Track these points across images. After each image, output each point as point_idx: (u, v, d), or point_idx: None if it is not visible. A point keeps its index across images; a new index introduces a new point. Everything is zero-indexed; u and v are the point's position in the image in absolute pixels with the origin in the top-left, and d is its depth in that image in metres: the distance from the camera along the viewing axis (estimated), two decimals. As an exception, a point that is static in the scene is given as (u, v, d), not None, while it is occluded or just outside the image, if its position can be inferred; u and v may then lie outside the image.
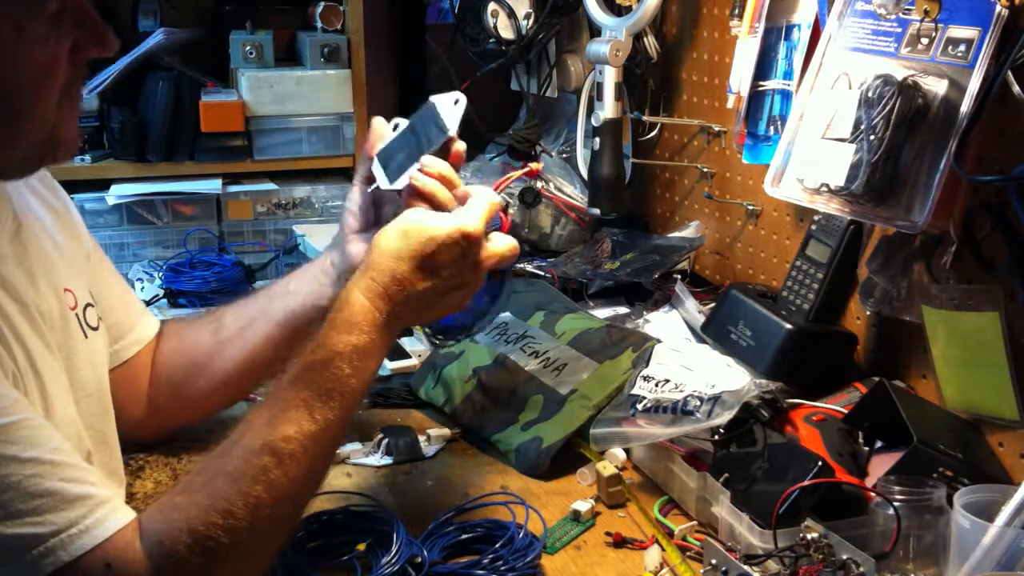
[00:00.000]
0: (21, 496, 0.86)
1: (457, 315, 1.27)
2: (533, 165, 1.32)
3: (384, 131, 1.26)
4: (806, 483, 1.17)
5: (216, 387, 1.36)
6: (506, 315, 1.71)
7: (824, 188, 1.35)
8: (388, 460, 1.47)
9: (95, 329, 1.17)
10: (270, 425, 0.98)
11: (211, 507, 0.92)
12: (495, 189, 1.22)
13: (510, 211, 1.21)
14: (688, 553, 1.23)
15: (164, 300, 2.06)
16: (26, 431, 0.88)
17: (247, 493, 0.94)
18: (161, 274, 2.13)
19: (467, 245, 1.11)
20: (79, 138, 1.01)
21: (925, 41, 1.29)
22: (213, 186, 2.34)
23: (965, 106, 1.22)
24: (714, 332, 1.59)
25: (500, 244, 1.16)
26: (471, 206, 1.14)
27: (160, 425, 1.37)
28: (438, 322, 1.29)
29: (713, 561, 1.14)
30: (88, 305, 1.17)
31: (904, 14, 1.31)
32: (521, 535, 1.22)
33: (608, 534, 1.27)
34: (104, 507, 0.90)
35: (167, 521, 0.92)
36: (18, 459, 0.86)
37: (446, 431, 1.54)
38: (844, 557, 1.07)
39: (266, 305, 1.34)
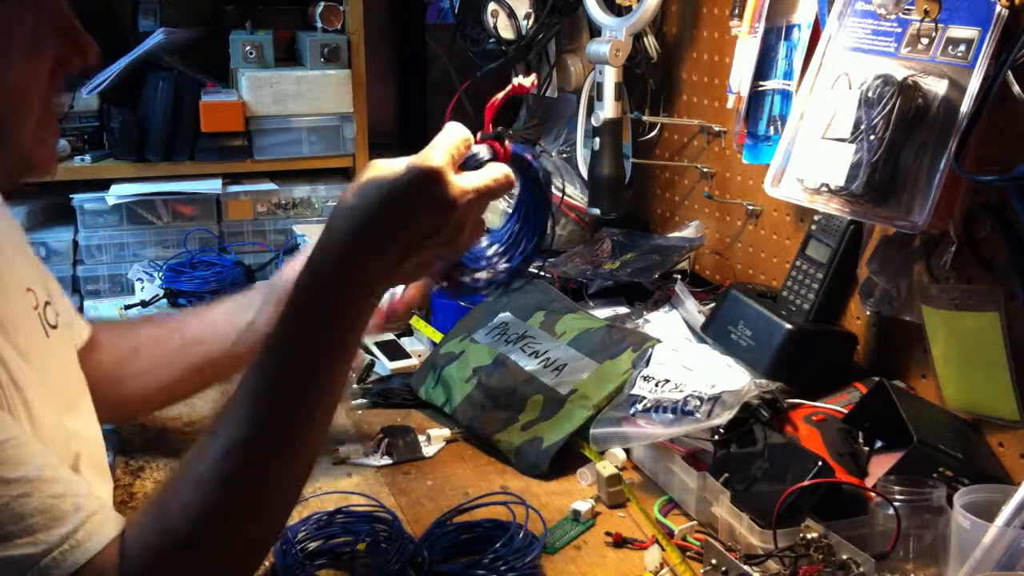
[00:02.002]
0: (11, 518, 0.84)
1: (482, 267, 1.14)
2: (517, 81, 1.11)
3: None
4: (806, 483, 1.17)
5: (143, 404, 1.39)
6: (506, 315, 1.71)
7: (824, 188, 1.35)
8: (388, 460, 1.47)
9: (54, 327, 1.14)
10: (233, 424, 0.93)
11: (185, 516, 0.90)
12: (485, 121, 1.08)
13: (507, 141, 1.07)
14: (688, 553, 1.23)
15: (164, 300, 2.06)
16: (11, 451, 0.86)
17: (216, 498, 0.90)
18: (161, 274, 2.14)
19: (426, 182, 0.96)
20: (55, 157, 0.97)
21: (925, 41, 1.29)
22: (213, 186, 2.34)
23: (965, 106, 1.22)
24: (714, 332, 1.59)
25: (479, 174, 1.01)
26: (433, 142, 1.00)
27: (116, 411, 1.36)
28: (461, 281, 1.14)
29: (713, 561, 1.14)
30: (47, 303, 1.14)
31: (904, 14, 1.31)
32: (521, 535, 1.22)
33: (608, 534, 1.27)
34: (94, 520, 0.89)
35: (144, 533, 0.90)
36: (5, 480, 0.85)
37: (446, 431, 1.54)
38: (844, 557, 1.07)
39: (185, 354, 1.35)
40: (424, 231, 0.98)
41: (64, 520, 0.87)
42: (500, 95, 1.12)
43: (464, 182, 0.99)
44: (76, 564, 0.86)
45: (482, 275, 1.13)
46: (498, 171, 1.02)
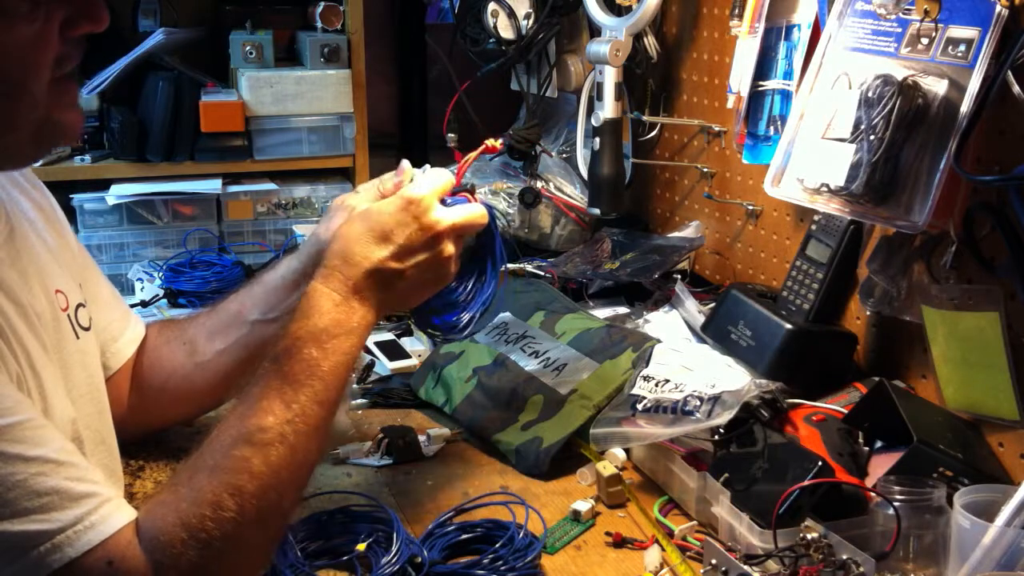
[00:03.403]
0: (27, 494, 0.86)
1: (444, 311, 1.29)
2: (489, 142, 1.33)
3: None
4: (806, 483, 1.17)
5: (192, 399, 1.38)
6: (506, 315, 1.71)
7: (824, 188, 1.35)
8: (388, 460, 1.47)
9: (87, 329, 1.17)
10: (245, 418, 1.00)
11: (199, 500, 0.93)
12: (457, 175, 1.24)
13: (478, 194, 1.26)
14: (688, 553, 1.23)
15: (164, 300, 2.06)
16: (30, 431, 0.89)
17: (231, 486, 0.94)
18: (161, 274, 2.13)
19: (414, 210, 1.14)
20: (82, 119, 1.00)
21: (925, 41, 1.29)
22: (213, 186, 2.34)
23: (965, 106, 1.22)
24: (714, 332, 1.59)
25: (458, 209, 1.19)
26: (418, 179, 1.20)
27: (138, 426, 1.37)
28: (429, 319, 1.30)
29: (713, 561, 1.14)
30: (79, 305, 1.17)
31: (904, 14, 1.31)
32: (521, 535, 1.22)
33: (608, 534, 1.27)
34: (108, 505, 0.91)
35: (160, 518, 0.93)
36: (23, 458, 0.87)
37: (446, 431, 1.54)
38: (844, 557, 1.07)
39: (244, 334, 1.33)
40: (412, 251, 1.14)
41: (79, 501, 0.89)
42: (473, 154, 1.30)
43: (444, 212, 1.17)
44: (89, 544, 0.88)
45: (455, 318, 1.30)
46: (474, 208, 1.21)
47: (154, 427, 1.41)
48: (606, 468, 1.35)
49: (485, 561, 1.19)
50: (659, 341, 1.57)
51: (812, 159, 1.38)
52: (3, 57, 0.90)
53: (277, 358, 1.04)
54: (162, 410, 1.38)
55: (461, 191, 1.23)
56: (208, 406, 1.42)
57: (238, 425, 0.99)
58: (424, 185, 1.17)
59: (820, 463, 1.20)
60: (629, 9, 1.90)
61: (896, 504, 1.13)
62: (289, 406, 1.01)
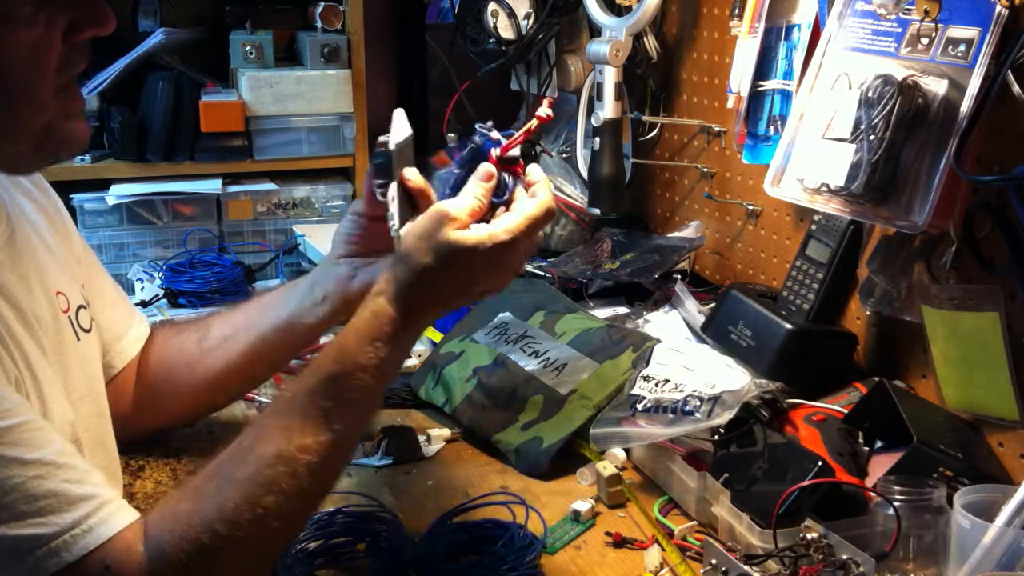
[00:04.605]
0: (25, 498, 0.86)
1: None
2: (541, 112, 1.19)
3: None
4: (806, 483, 1.17)
5: (195, 394, 1.37)
6: (506, 315, 1.71)
7: (824, 188, 1.35)
8: (388, 460, 1.47)
9: (87, 331, 1.17)
10: (286, 434, 0.97)
11: (217, 517, 0.91)
12: (502, 153, 1.15)
13: (526, 171, 1.16)
14: (688, 553, 1.23)
15: (164, 300, 2.06)
16: (28, 433, 0.88)
17: (255, 504, 0.93)
18: (161, 274, 2.13)
19: (505, 259, 1.08)
20: (87, 129, 0.99)
21: (925, 41, 1.29)
22: (213, 186, 2.34)
23: (965, 106, 1.22)
24: (714, 332, 1.59)
25: (531, 229, 1.09)
26: (506, 217, 1.10)
27: (143, 425, 1.37)
28: None
29: (713, 561, 1.14)
30: (81, 307, 1.16)
31: (904, 14, 1.31)
32: (521, 535, 1.22)
33: (608, 534, 1.27)
34: (107, 507, 0.90)
35: (170, 530, 0.91)
36: (21, 461, 0.86)
37: (446, 431, 1.54)
38: (844, 557, 1.07)
39: (252, 318, 1.34)
40: (491, 286, 1.11)
41: (77, 504, 0.88)
42: (530, 124, 1.19)
43: (530, 246, 1.10)
44: (86, 549, 0.87)
45: None
46: (542, 207, 1.10)
47: (157, 427, 1.41)
48: (606, 468, 1.35)
49: (485, 561, 1.19)
50: (659, 341, 1.57)
51: (812, 159, 1.38)
52: (4, 62, 0.89)
53: (336, 378, 1.01)
54: (166, 407, 1.37)
55: (510, 164, 1.14)
56: (209, 404, 1.42)
57: (279, 440, 0.96)
58: (508, 226, 1.07)
59: (820, 463, 1.20)
60: (629, 9, 1.90)
61: (896, 504, 1.13)
62: (332, 430, 0.98)
